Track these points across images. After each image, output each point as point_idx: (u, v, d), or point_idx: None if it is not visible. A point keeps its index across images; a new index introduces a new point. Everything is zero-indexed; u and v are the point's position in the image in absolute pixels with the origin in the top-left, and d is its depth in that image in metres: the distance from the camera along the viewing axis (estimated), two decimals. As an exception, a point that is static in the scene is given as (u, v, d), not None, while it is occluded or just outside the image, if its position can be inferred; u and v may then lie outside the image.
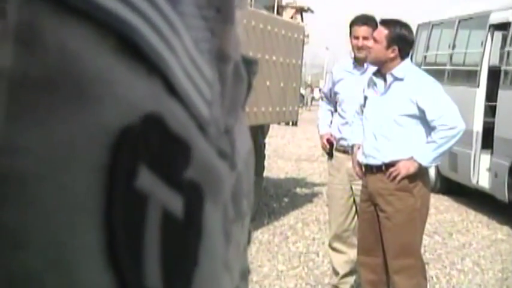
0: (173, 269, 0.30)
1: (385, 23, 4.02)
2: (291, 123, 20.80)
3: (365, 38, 4.48)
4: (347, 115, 4.60)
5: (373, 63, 4.03)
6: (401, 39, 3.90)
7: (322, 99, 5.20)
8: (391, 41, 3.88)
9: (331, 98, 4.90)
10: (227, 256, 0.36)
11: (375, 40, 3.95)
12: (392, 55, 3.88)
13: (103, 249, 0.28)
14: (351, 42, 4.66)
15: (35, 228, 0.26)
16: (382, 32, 3.93)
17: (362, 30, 4.56)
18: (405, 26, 4.00)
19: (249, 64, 0.41)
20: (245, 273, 0.43)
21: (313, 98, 41.49)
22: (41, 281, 0.27)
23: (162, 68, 0.30)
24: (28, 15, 0.26)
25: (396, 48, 3.87)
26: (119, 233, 0.28)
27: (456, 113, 3.85)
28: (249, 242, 0.44)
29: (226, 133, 0.36)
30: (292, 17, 9.45)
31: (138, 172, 0.28)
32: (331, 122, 4.92)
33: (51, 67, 0.26)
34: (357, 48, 4.60)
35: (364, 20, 4.61)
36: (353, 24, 4.65)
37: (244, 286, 0.43)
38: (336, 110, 4.86)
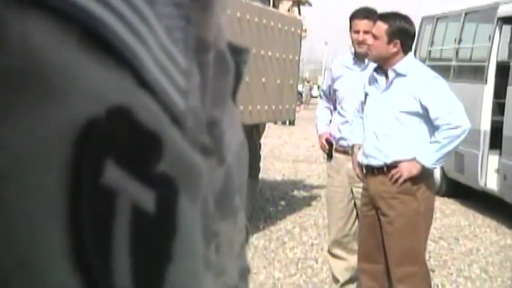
0: (145, 267, 0.31)
1: (384, 17, 4.02)
2: (288, 122, 20.82)
3: (366, 32, 4.49)
4: (347, 113, 4.61)
5: (376, 60, 4.02)
6: (403, 32, 3.90)
7: (320, 97, 5.21)
8: (392, 35, 3.88)
9: (331, 96, 4.91)
10: (208, 254, 0.36)
11: (375, 37, 3.94)
12: (394, 50, 3.88)
13: (70, 250, 0.28)
14: (351, 36, 4.66)
15: (3, 232, 0.27)
16: (381, 27, 3.93)
17: (363, 24, 4.56)
18: (405, 18, 4.00)
19: (238, 53, 0.41)
20: (244, 273, 0.43)
21: (311, 96, 41.55)
22: (6, 282, 0.27)
23: (131, 59, 0.30)
24: None
25: (398, 42, 3.88)
26: (86, 232, 0.28)
27: (461, 111, 3.85)
28: (247, 240, 0.44)
29: (212, 125, 0.36)
30: (289, 10, 9.46)
31: (105, 167, 0.29)
32: (330, 121, 4.93)
33: (13, 62, 0.27)
34: (357, 43, 4.60)
35: (365, 13, 4.61)
36: (353, 17, 4.65)
37: (244, 286, 0.43)
38: (335, 108, 4.86)
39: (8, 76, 0.26)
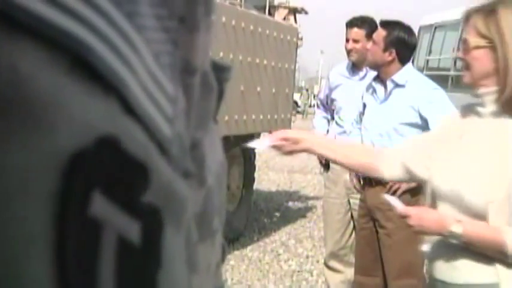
0: None
1: (385, 24, 4.04)
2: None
3: (355, 41, 4.52)
4: (345, 124, 4.61)
5: (371, 66, 4.07)
6: (400, 43, 3.91)
7: (318, 106, 5.21)
8: (389, 43, 3.90)
9: (328, 105, 4.91)
10: (190, 283, 0.36)
11: (374, 42, 3.98)
12: (389, 58, 3.90)
13: (55, 282, 0.28)
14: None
15: None
16: (381, 33, 3.96)
17: (352, 32, 4.60)
18: (406, 28, 4.02)
19: (221, 70, 0.41)
20: None
21: (309, 105, 41.45)
22: None
23: (119, 87, 0.30)
24: None
25: (394, 51, 3.89)
26: (71, 266, 0.28)
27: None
28: (223, 259, 0.45)
29: (194, 148, 0.37)
30: (284, 18, 9.48)
31: (92, 198, 0.29)
32: (327, 131, 4.93)
33: (1, 90, 0.26)
34: (346, 52, 4.65)
35: (356, 22, 4.65)
36: (346, 26, 4.70)
37: None
38: (333, 118, 4.86)
39: None
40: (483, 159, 2.12)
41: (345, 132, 4.61)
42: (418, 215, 2.15)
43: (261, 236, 7.52)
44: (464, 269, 2.12)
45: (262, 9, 8.55)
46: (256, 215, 8.39)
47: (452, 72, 10.28)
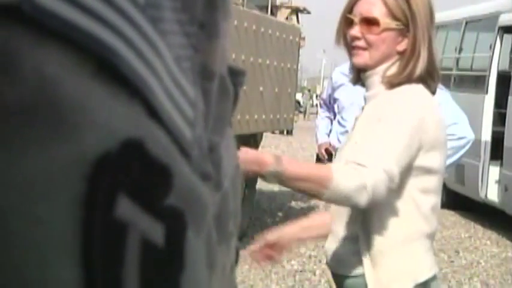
0: None
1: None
2: (285, 132, 20.81)
3: None
4: (347, 123, 4.60)
5: None
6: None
7: (321, 106, 5.21)
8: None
9: (331, 105, 4.91)
10: (210, 284, 0.37)
11: None
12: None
13: (82, 283, 0.28)
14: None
15: (11, 265, 0.27)
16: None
17: None
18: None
19: (236, 75, 0.41)
20: None
21: (311, 105, 41.28)
22: None
23: (143, 91, 0.30)
24: (3, 40, 0.26)
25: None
26: (97, 267, 0.28)
27: (465, 122, 3.85)
28: (236, 261, 0.45)
29: (211, 152, 0.37)
30: (287, 18, 9.48)
31: (118, 201, 0.29)
32: (330, 131, 4.92)
33: (27, 94, 0.26)
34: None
35: None
36: None
37: None
38: (335, 118, 4.86)
39: (23, 110, 0.26)
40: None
41: (347, 131, 4.60)
42: (241, 157, 2.08)
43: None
44: (346, 261, 2.08)
45: (264, 9, 8.54)
46: (259, 215, 8.39)
47: (454, 72, 10.28)
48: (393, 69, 2.02)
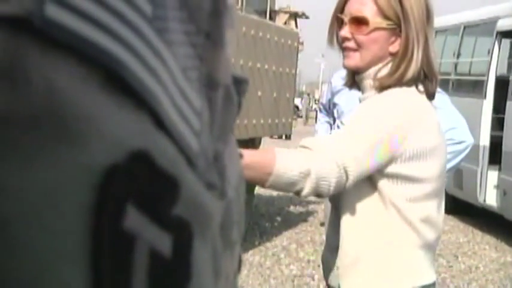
0: None
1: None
2: (284, 137, 20.79)
3: None
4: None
5: None
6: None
7: (320, 111, 5.21)
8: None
9: (330, 110, 4.91)
10: None
11: None
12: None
13: None
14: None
15: (18, 276, 0.27)
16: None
17: None
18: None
19: (239, 83, 0.41)
20: None
21: (310, 109, 41.25)
22: None
23: (150, 102, 0.30)
24: (13, 51, 0.26)
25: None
26: (106, 278, 0.28)
27: (464, 126, 3.85)
28: (239, 268, 0.45)
29: (216, 161, 0.37)
30: (285, 23, 9.49)
31: (126, 212, 0.29)
32: (328, 136, 4.93)
33: (36, 106, 0.27)
34: None
35: None
36: None
37: None
38: (335, 122, 4.86)
39: (32, 121, 0.27)
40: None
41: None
42: None
43: (262, 241, 7.52)
44: (334, 271, 2.01)
45: (263, 13, 8.55)
46: (257, 219, 8.39)
47: (452, 77, 10.29)
48: (384, 71, 1.92)
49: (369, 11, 1.92)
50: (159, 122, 0.31)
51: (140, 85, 0.30)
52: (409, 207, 1.88)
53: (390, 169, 1.85)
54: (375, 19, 1.91)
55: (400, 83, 1.89)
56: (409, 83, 1.90)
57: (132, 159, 0.29)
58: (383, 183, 1.87)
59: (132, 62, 0.29)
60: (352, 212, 1.92)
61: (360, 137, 1.81)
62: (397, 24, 1.90)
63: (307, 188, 1.74)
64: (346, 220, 1.93)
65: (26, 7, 0.26)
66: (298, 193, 1.77)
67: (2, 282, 0.26)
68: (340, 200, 1.94)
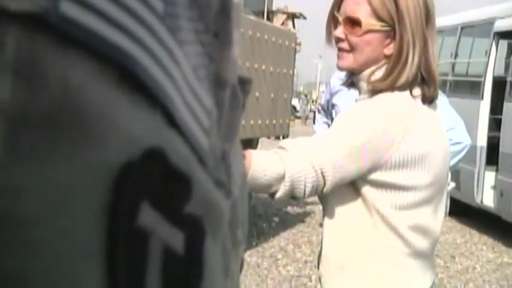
0: None
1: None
2: (281, 137, 20.79)
3: None
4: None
5: None
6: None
7: (319, 111, 5.21)
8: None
9: (329, 110, 4.91)
10: None
11: None
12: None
13: None
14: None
15: (35, 274, 0.27)
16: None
17: None
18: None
19: (243, 83, 0.42)
20: None
21: (309, 110, 41.29)
22: None
23: (163, 100, 0.30)
24: (28, 48, 0.26)
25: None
26: (121, 275, 0.29)
27: (462, 127, 3.86)
28: (241, 269, 0.45)
29: (222, 160, 0.37)
30: (283, 23, 9.49)
31: (141, 210, 0.29)
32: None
33: (52, 103, 0.27)
34: None
35: None
36: None
37: None
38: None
39: (48, 118, 0.27)
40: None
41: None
42: None
43: (259, 241, 7.52)
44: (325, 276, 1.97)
45: (260, 14, 8.56)
46: (254, 220, 8.39)
47: (450, 78, 10.29)
48: (378, 74, 1.86)
49: (362, 12, 1.85)
50: (172, 121, 0.31)
51: (153, 83, 0.30)
52: (395, 215, 1.82)
53: (374, 176, 1.79)
54: (368, 20, 1.85)
55: (392, 87, 1.83)
56: (402, 88, 1.84)
57: (147, 157, 0.29)
58: (367, 190, 1.82)
59: (146, 60, 0.29)
60: (335, 218, 1.87)
61: (341, 142, 1.77)
62: (392, 26, 1.84)
63: (281, 190, 1.72)
64: (328, 226, 1.89)
65: (41, 4, 0.26)
66: (272, 195, 1.74)
67: (19, 281, 0.26)
68: (325, 205, 1.90)
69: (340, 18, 1.89)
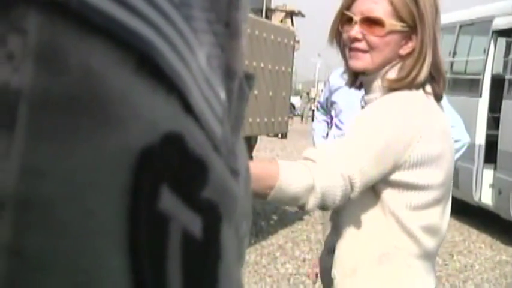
0: None
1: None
2: (280, 136, 20.83)
3: None
4: (344, 126, 4.60)
5: None
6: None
7: (317, 109, 5.21)
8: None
9: (328, 108, 4.91)
10: (239, 276, 0.38)
11: None
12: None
13: (128, 274, 0.29)
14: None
15: (61, 254, 0.27)
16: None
17: None
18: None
19: (247, 78, 0.42)
20: None
21: (309, 108, 41.28)
22: None
23: (180, 87, 0.31)
24: (50, 34, 0.27)
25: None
26: (143, 257, 0.29)
27: (461, 125, 3.86)
28: (242, 264, 0.45)
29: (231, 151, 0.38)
30: (281, 21, 9.49)
31: (161, 193, 0.30)
32: (327, 134, 4.93)
33: (73, 87, 0.27)
34: None
35: None
36: None
37: None
38: (332, 121, 4.86)
39: (69, 103, 0.27)
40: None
41: (344, 134, 4.60)
42: None
43: (258, 239, 7.52)
44: (329, 275, 1.94)
45: (259, 12, 8.56)
46: (253, 218, 8.37)
47: (448, 76, 10.30)
48: (393, 73, 1.83)
49: (382, 12, 1.80)
50: (188, 107, 0.32)
51: (171, 70, 0.30)
52: (408, 215, 1.82)
53: (394, 176, 1.78)
54: (389, 21, 1.79)
55: (410, 86, 1.82)
56: (418, 86, 1.83)
57: (166, 141, 0.30)
58: (384, 191, 1.81)
59: (164, 47, 0.30)
60: (351, 220, 1.87)
61: (365, 147, 1.75)
62: (410, 26, 1.80)
63: (311, 203, 1.69)
64: (344, 228, 1.88)
65: None
66: (301, 207, 1.72)
67: (47, 265, 0.27)
68: (341, 209, 1.88)
69: (356, 18, 1.82)
